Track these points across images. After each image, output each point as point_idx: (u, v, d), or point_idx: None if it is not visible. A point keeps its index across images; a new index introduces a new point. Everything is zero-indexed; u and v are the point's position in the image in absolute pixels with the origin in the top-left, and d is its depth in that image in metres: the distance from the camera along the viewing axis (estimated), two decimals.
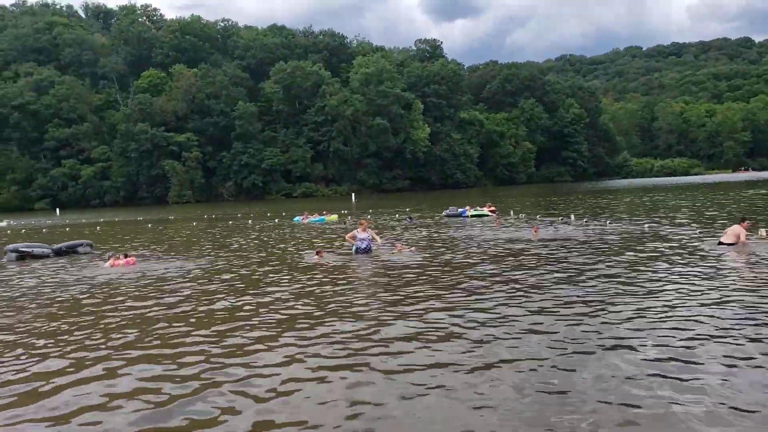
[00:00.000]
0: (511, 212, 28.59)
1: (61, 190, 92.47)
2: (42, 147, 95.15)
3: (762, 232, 14.21)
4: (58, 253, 19.03)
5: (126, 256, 15.73)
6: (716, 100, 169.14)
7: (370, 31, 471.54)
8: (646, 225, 19.28)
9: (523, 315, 7.73)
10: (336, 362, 6.16)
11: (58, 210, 73.79)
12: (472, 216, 28.20)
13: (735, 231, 13.24)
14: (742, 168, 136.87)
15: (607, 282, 9.80)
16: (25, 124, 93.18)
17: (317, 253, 14.93)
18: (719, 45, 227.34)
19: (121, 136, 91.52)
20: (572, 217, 23.61)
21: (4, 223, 46.51)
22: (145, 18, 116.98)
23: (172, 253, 18.30)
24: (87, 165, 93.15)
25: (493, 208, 29.76)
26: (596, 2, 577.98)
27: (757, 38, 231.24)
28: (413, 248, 14.97)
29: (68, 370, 6.39)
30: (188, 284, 11.74)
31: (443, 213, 30.91)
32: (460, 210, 29.97)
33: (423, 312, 8.18)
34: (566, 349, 6.25)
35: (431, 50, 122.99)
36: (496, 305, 8.40)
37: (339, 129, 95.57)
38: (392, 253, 14.71)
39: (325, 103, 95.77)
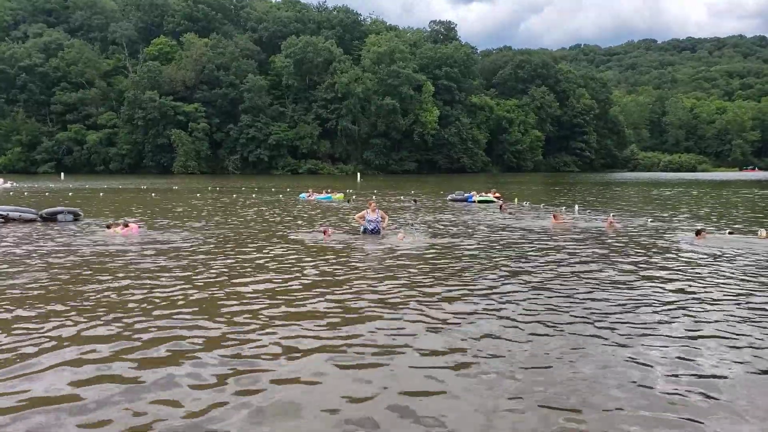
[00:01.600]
0: (516, 200, 28.40)
1: (65, 154, 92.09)
2: (49, 110, 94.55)
3: (762, 232, 14.34)
4: (45, 218, 18.11)
5: (126, 225, 15.30)
6: (727, 98, 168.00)
7: (386, 10, 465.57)
8: (650, 220, 19.18)
9: (536, 307, 7.57)
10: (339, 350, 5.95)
11: (62, 174, 73.55)
12: (479, 202, 27.98)
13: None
14: (749, 167, 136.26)
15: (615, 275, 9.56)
16: (32, 86, 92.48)
17: (324, 232, 14.56)
18: (734, 42, 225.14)
19: (128, 103, 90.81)
20: (576, 207, 23.45)
21: (8, 185, 46.30)
22: None
23: (174, 224, 17.98)
24: (93, 131, 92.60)
25: (498, 195, 29.49)
26: None
27: None
28: (402, 235, 14.20)
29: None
30: (186, 260, 11.27)
31: (448, 197, 30.69)
32: (466, 195, 29.74)
33: (434, 299, 8.01)
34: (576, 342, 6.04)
35: (445, 32, 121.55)
36: (507, 294, 8.24)
37: (348, 107, 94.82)
38: (399, 238, 13.94)
39: (335, 80, 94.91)
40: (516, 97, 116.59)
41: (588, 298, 8.01)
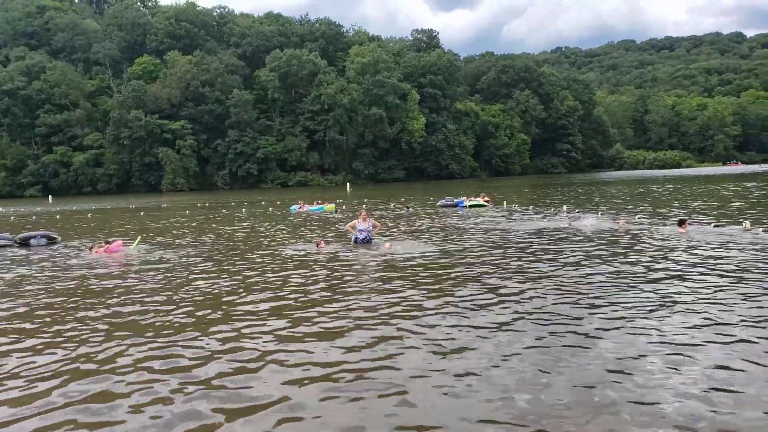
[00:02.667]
0: (504, 203, 28.60)
1: (52, 177, 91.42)
2: (33, 133, 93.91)
3: (746, 223, 14.67)
4: (20, 244, 17.66)
5: (107, 242, 15.15)
6: (707, 94, 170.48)
7: (369, 20, 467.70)
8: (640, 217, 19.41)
9: (535, 309, 7.57)
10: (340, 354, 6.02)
11: (50, 197, 72.95)
12: (470, 206, 28.14)
13: None
14: (733, 161, 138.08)
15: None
16: (15, 110, 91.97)
17: (317, 244, 14.33)
18: (711, 40, 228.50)
19: (114, 123, 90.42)
20: (565, 208, 23.67)
21: None
22: (139, 3, 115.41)
23: (165, 241, 17.81)
24: (79, 152, 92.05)
25: (487, 199, 29.73)
26: None
27: (751, 33, 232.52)
28: (389, 244, 13.94)
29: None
30: (179, 274, 11.36)
31: (438, 203, 30.79)
32: (456, 200, 29.90)
33: (437, 305, 7.94)
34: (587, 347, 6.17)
35: (428, 40, 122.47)
36: (504, 299, 8.20)
37: (335, 118, 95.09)
38: (388, 248, 13.57)
39: (321, 92, 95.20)
40: (500, 101, 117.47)
41: (605, 302, 8.08)
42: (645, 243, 13.03)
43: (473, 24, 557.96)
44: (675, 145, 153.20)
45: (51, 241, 18.06)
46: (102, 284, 10.62)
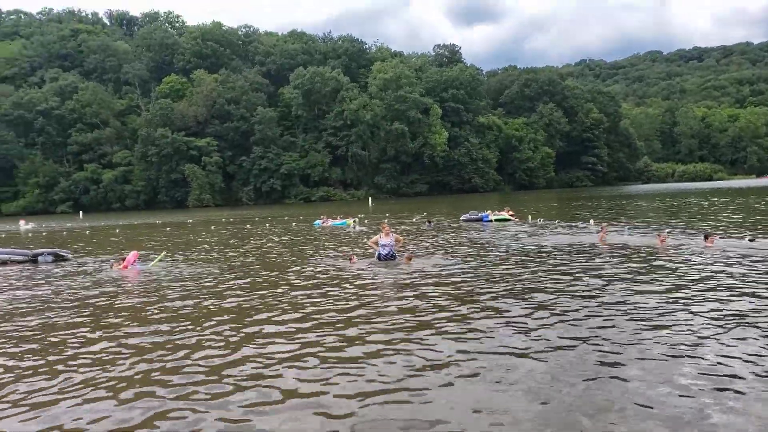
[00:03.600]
0: (529, 217, 27.67)
1: (82, 193, 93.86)
2: (65, 151, 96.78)
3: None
4: (31, 260, 17.53)
5: (123, 259, 14.97)
6: (739, 105, 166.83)
7: (391, 36, 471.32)
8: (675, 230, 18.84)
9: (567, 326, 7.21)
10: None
11: (81, 213, 74.89)
12: (496, 221, 27.37)
13: None
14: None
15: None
16: (49, 129, 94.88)
17: (350, 259, 13.99)
18: (741, 49, 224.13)
19: (142, 140, 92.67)
20: (591, 222, 23.09)
21: (29, 226, 47.23)
22: (167, 25, 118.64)
23: (194, 257, 17.79)
24: (108, 169, 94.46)
25: (511, 213, 28.96)
26: (620, 7, 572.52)
27: None
28: (409, 256, 13.67)
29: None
30: (208, 289, 11.43)
31: (462, 217, 29.78)
32: (480, 214, 29.03)
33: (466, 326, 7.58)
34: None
35: (450, 55, 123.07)
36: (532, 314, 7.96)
37: (357, 134, 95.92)
38: (407, 261, 13.27)
39: (343, 108, 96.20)
40: (524, 115, 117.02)
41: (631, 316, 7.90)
42: (678, 259, 12.26)
43: (496, 38, 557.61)
44: (705, 158, 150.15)
45: (59, 258, 17.85)
46: (122, 302, 10.72)
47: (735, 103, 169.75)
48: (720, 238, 14.60)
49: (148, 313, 9.00)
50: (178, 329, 7.80)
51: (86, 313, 9.16)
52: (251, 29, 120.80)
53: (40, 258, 17.51)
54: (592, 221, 23.35)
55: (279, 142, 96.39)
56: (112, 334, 7.73)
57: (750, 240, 14.38)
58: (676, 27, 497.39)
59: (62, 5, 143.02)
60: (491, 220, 27.45)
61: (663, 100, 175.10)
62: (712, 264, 11.16)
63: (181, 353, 6.62)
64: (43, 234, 35.81)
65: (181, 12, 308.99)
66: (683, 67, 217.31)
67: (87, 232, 36.13)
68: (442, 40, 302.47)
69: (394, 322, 7.69)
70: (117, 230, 36.43)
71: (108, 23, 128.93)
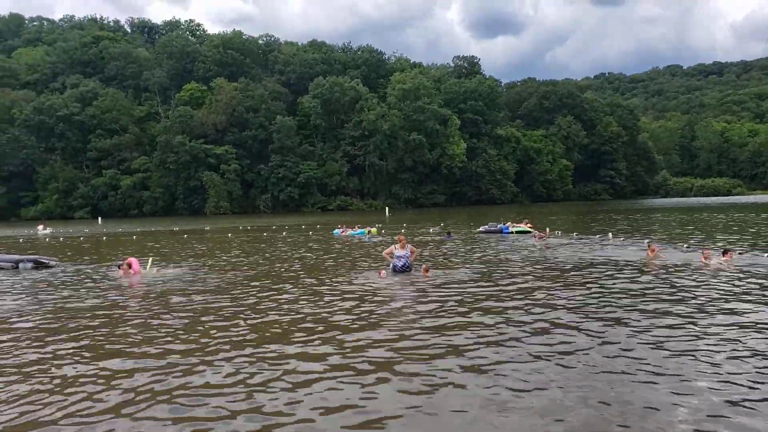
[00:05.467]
0: (547, 230, 27.05)
1: (101, 199, 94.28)
2: (85, 157, 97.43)
3: None
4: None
5: (129, 265, 15.05)
6: (758, 120, 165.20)
7: (411, 47, 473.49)
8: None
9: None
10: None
11: (99, 219, 75.18)
12: (516, 232, 27.15)
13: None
14: None
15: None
16: (69, 134, 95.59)
17: (379, 273, 13.41)
18: (762, 65, 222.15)
19: (160, 147, 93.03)
20: (610, 235, 22.72)
21: (47, 231, 47.35)
22: (188, 33, 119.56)
23: (211, 264, 17.77)
24: (127, 175, 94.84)
25: (530, 225, 28.56)
26: (641, 20, 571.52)
27: None
28: (426, 269, 13.38)
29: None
30: (229, 298, 11.22)
31: (480, 229, 29.44)
32: (500, 226, 28.68)
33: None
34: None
35: (469, 67, 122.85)
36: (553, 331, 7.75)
37: (375, 144, 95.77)
38: (425, 277, 12.94)
39: (362, 117, 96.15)
40: (542, 127, 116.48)
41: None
42: (692, 275, 12.27)
43: (516, 50, 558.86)
44: (724, 172, 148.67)
45: (39, 265, 17.58)
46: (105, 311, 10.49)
47: (755, 118, 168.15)
48: (740, 253, 14.43)
49: (163, 329, 8.55)
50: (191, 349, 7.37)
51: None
52: (272, 39, 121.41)
53: (20, 265, 17.26)
54: (610, 234, 23.05)
55: (297, 150, 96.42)
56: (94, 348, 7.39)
57: None
58: (696, 41, 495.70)
59: (84, 13, 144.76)
60: (511, 232, 27.22)
61: (682, 114, 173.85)
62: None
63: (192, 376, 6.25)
64: (60, 239, 35.72)
65: (202, 20, 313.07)
66: (702, 82, 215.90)
67: (104, 238, 35.92)
68: (462, 52, 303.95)
69: (417, 342, 7.31)
70: (134, 237, 36.20)
71: (129, 31, 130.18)
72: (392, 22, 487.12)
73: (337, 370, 6.21)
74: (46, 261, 18.08)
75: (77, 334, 8.34)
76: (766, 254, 14.68)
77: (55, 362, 6.90)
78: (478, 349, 6.89)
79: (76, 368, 6.62)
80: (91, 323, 9.06)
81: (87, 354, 7.23)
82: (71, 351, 7.37)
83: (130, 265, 15.04)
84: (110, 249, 26.44)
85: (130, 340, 7.89)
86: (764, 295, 9.50)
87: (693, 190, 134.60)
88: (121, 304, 10.95)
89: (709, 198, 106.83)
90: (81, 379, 6.20)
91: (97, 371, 6.48)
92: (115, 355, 7.11)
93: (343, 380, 5.89)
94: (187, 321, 8.96)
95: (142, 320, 9.16)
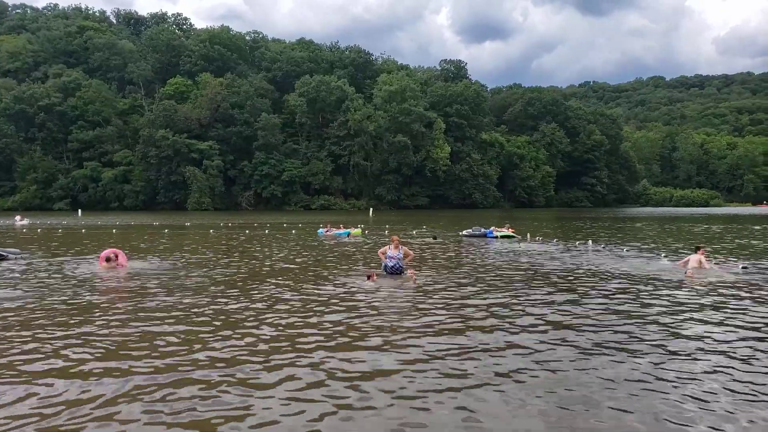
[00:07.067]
0: (528, 235, 27.42)
1: (81, 191, 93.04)
2: (65, 148, 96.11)
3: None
4: None
5: (115, 257, 14.72)
6: (737, 133, 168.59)
7: (401, 50, 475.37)
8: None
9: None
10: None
11: (79, 211, 74.14)
12: (501, 237, 27.34)
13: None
14: (765, 202, 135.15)
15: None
16: (50, 125, 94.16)
17: (368, 278, 12.59)
18: (742, 79, 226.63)
19: (143, 140, 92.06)
20: (590, 242, 22.96)
21: (24, 222, 46.59)
22: (174, 26, 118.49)
23: (189, 261, 17.62)
24: (108, 168, 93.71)
25: (513, 230, 28.78)
26: (627, 32, 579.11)
27: None
28: (412, 273, 13.00)
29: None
30: (211, 298, 11.02)
31: (463, 232, 29.51)
32: (484, 230, 28.82)
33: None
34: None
35: (455, 71, 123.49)
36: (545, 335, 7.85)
37: (360, 144, 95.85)
38: (413, 281, 12.38)
39: (348, 117, 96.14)
40: (526, 133, 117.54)
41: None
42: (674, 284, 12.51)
43: (504, 56, 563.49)
44: (703, 184, 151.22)
45: None
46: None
47: (734, 131, 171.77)
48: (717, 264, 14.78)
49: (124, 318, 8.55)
50: (174, 350, 7.21)
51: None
52: (260, 35, 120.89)
53: None
54: (590, 241, 23.25)
55: (281, 148, 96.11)
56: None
57: (743, 267, 14.47)
58: (680, 54, 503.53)
59: (69, 2, 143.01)
60: (496, 237, 27.38)
61: (664, 125, 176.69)
62: None
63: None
64: (38, 231, 35.12)
65: (189, 14, 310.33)
66: (684, 94, 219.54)
67: (83, 231, 35.33)
68: (450, 56, 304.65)
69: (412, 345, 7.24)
70: (114, 230, 35.63)
71: (114, 22, 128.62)
72: (382, 25, 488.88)
73: (312, 383, 5.87)
74: (5, 254, 17.12)
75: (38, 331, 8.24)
76: (741, 265, 14.88)
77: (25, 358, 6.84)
78: (458, 356, 6.80)
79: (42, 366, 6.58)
80: (47, 321, 9.00)
81: (51, 354, 7.19)
82: (32, 349, 7.29)
83: (114, 257, 14.64)
84: (92, 241, 26.15)
85: (92, 340, 7.85)
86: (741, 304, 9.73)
87: (672, 200, 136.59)
88: (82, 301, 10.87)
89: (689, 209, 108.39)
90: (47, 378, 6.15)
91: (63, 370, 6.45)
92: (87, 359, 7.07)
93: (323, 392, 5.61)
94: (169, 321, 8.93)
95: (115, 318, 9.12)
